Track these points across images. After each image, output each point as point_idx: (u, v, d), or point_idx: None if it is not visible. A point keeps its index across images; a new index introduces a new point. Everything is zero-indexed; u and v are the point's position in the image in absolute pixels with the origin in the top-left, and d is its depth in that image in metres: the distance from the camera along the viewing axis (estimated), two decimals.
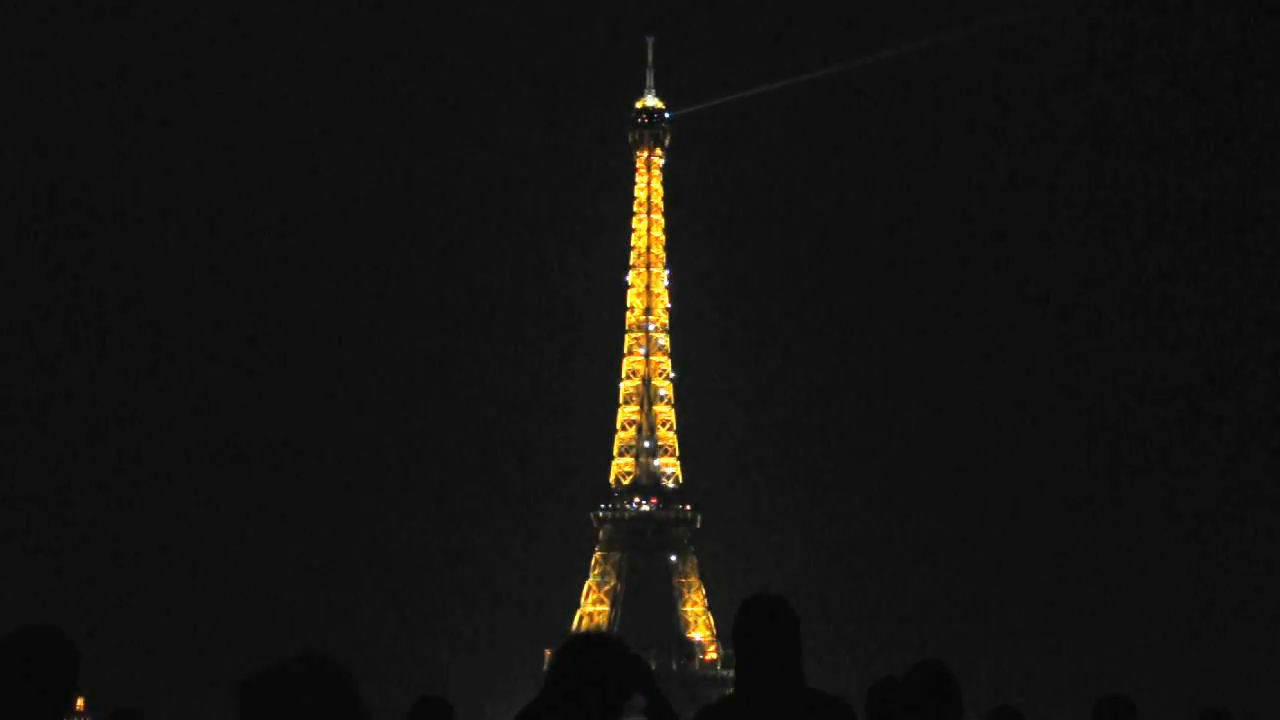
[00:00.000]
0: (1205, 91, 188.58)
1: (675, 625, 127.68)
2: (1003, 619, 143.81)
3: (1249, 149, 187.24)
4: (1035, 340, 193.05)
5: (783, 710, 5.88)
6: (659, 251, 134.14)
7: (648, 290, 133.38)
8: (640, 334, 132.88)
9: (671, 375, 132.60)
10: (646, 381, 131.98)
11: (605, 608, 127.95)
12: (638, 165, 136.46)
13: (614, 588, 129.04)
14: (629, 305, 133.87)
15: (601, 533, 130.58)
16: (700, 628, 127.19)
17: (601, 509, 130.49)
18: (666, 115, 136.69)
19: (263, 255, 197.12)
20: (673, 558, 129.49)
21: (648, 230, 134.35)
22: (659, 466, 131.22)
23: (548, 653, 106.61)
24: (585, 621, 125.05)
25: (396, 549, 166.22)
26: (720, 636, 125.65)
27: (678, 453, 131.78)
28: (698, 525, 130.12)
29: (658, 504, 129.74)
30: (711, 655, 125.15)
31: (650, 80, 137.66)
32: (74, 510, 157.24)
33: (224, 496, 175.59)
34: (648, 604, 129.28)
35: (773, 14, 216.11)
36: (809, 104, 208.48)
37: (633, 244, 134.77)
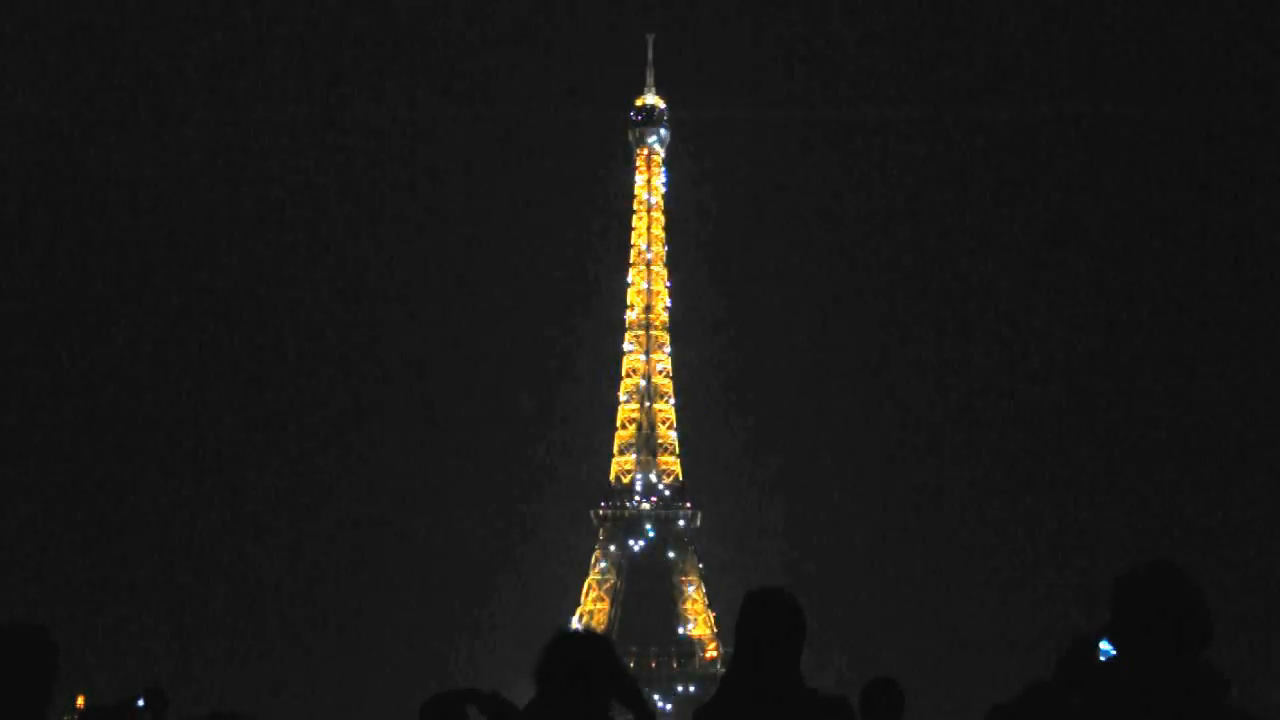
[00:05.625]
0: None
1: (675, 624, 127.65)
2: (1001, 620, 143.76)
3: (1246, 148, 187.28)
4: (1034, 341, 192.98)
5: (783, 709, 5.85)
6: (659, 250, 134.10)
7: (648, 289, 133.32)
8: (640, 333, 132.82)
9: (671, 374, 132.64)
10: (646, 380, 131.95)
11: (605, 606, 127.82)
12: (638, 163, 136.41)
13: (614, 586, 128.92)
14: (629, 304, 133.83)
15: (602, 531, 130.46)
16: (700, 626, 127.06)
17: (601, 507, 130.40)
18: (666, 113, 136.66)
19: (260, 257, 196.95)
20: (672, 556, 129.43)
21: (648, 229, 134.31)
22: (659, 465, 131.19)
23: None
24: (586, 620, 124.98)
25: (396, 548, 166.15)
26: (720, 635, 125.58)
27: (678, 452, 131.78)
28: (697, 524, 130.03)
29: (658, 503, 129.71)
30: (711, 654, 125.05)
31: (650, 78, 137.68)
32: (72, 510, 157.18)
33: (223, 497, 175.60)
34: (648, 603, 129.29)
35: (774, 14, 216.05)
36: (809, 100, 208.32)
37: (633, 243, 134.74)
